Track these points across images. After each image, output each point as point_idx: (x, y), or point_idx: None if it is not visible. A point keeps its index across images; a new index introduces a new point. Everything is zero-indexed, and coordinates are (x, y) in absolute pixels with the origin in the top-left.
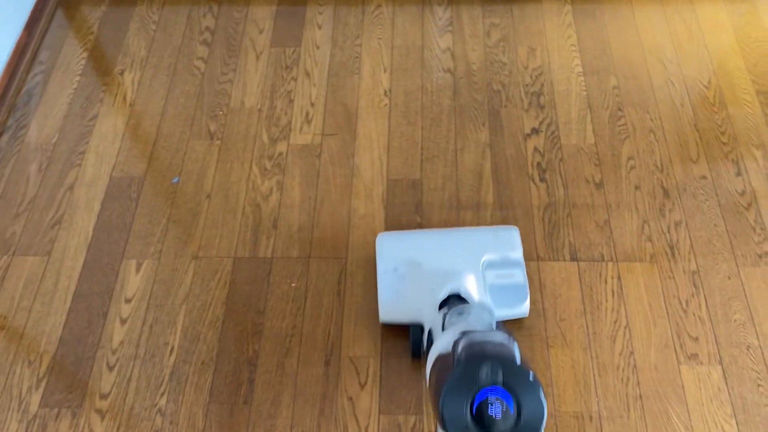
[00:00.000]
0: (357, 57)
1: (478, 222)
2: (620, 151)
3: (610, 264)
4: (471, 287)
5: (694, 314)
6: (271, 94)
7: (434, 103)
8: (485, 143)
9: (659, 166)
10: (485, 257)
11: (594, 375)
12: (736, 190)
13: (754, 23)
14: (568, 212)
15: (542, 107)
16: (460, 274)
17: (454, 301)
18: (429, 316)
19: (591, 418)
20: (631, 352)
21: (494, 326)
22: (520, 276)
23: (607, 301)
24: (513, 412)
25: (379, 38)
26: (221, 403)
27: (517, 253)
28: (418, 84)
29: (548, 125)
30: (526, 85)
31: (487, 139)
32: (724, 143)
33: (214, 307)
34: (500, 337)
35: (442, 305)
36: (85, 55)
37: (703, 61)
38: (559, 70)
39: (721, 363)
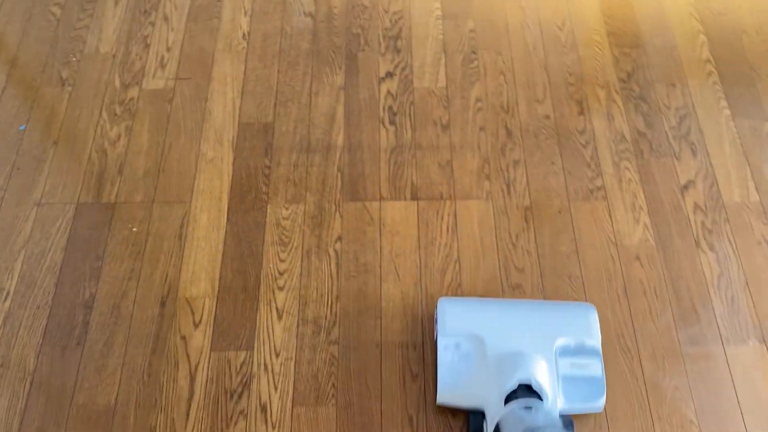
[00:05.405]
0: (218, 0)
1: (326, 163)
2: (469, 94)
3: (447, 202)
4: (543, 377)
5: (522, 247)
6: (127, 40)
7: (293, 46)
8: (340, 86)
9: (505, 108)
10: (559, 341)
11: (421, 307)
12: (576, 129)
13: None
14: (413, 154)
15: (399, 51)
16: (532, 361)
17: (524, 393)
18: (494, 407)
19: (415, 347)
20: (459, 284)
21: None
22: (597, 367)
23: (441, 237)
24: None
25: None
26: (54, 345)
27: (595, 340)
28: (278, 28)
29: (402, 69)
30: (385, 29)
31: (342, 83)
32: (571, 84)
33: (53, 253)
34: None
35: (509, 396)
36: None
37: (560, 3)
38: (418, 14)
39: (543, 292)
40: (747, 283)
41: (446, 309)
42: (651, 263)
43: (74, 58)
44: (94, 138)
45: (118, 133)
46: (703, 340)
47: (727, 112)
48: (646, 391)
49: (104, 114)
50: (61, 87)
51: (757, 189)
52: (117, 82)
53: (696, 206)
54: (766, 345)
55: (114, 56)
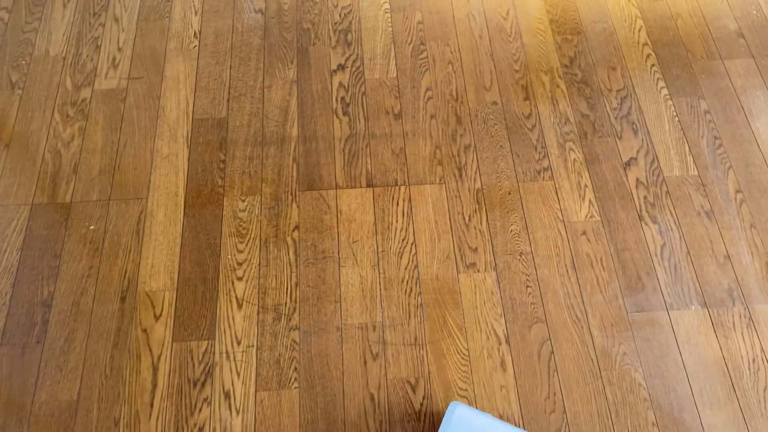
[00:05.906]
0: (168, 0)
1: (281, 155)
2: (420, 83)
3: (402, 188)
4: None
5: (475, 228)
6: (77, 42)
7: (244, 43)
8: (292, 80)
9: (454, 95)
10: None
11: (380, 289)
12: (522, 114)
13: None
14: (367, 142)
15: (349, 44)
16: None
17: None
18: None
19: (374, 327)
20: (416, 266)
21: None
22: None
23: (397, 221)
24: None
25: None
26: (13, 344)
27: None
28: (229, 25)
29: (354, 61)
30: (335, 23)
31: (294, 76)
32: (517, 71)
33: (9, 254)
34: None
35: None
36: None
37: None
38: (367, 7)
39: (495, 269)
40: (688, 251)
41: (452, 421)
42: (597, 237)
43: (24, 62)
44: (47, 139)
45: (71, 134)
46: (648, 307)
47: (665, 91)
48: (597, 357)
49: (56, 115)
50: (11, 90)
51: (695, 163)
52: (69, 84)
53: (638, 182)
54: (707, 309)
55: (65, 58)
